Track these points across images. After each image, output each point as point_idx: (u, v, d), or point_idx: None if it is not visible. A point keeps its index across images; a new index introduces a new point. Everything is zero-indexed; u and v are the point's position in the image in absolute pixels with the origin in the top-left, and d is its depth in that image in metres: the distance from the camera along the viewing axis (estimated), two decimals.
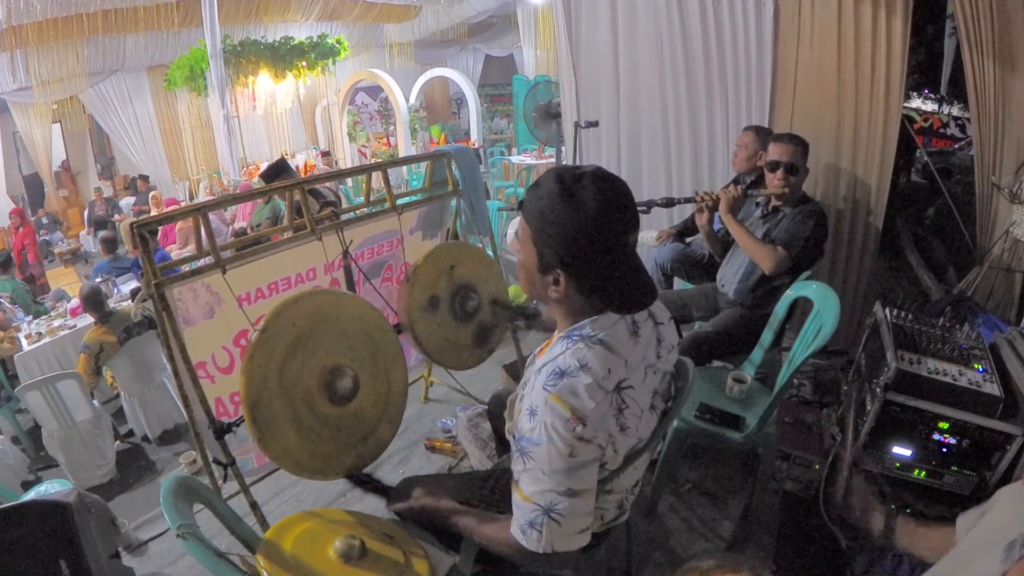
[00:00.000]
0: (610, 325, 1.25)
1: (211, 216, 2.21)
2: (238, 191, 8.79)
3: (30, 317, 6.17)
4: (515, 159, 10.08)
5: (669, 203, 2.92)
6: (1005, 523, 1.12)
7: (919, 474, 2.33)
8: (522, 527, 1.24)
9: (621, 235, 1.20)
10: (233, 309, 2.14)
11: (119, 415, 4.91)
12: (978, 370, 2.30)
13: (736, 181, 3.28)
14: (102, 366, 4.41)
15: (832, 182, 3.43)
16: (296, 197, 2.39)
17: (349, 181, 9.12)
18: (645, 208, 2.87)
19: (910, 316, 2.62)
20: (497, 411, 1.94)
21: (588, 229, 1.16)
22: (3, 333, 5.39)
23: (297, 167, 10.85)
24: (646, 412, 1.30)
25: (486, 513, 1.45)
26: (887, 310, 2.64)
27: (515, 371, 3.22)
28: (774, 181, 2.72)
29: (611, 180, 1.21)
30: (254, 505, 2.14)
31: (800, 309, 2.64)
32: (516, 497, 1.26)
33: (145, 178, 11.56)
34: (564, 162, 5.05)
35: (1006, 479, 2.18)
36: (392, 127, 11.44)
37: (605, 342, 1.22)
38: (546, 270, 1.24)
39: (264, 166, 4.86)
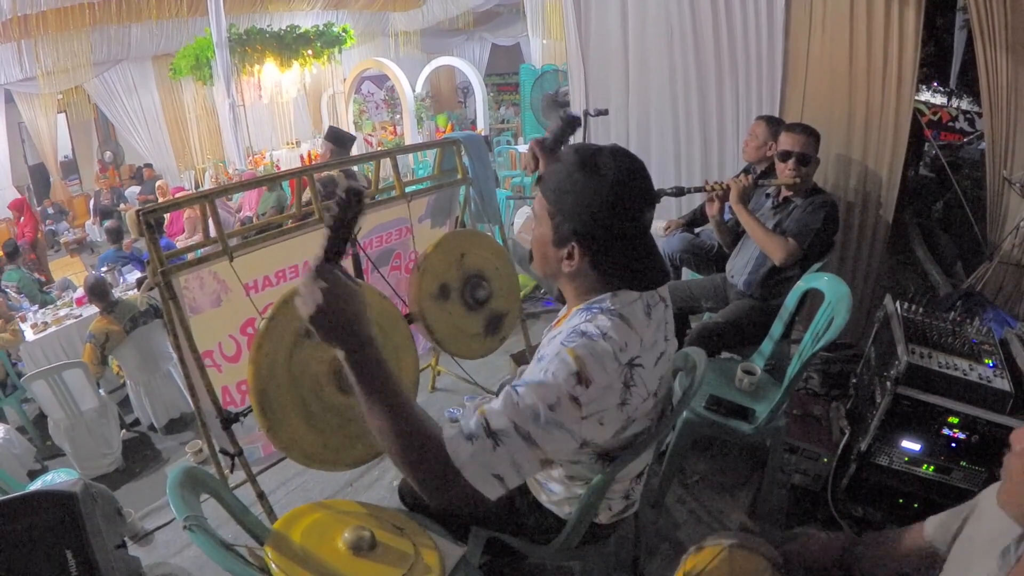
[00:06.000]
0: (629, 303, 1.24)
1: (217, 204, 2.20)
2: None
3: (36, 306, 6.18)
4: (521, 148, 10.01)
5: (679, 192, 2.89)
6: (997, 527, 1.11)
7: (928, 469, 2.31)
8: (457, 431, 1.11)
9: (637, 209, 1.23)
10: (240, 297, 2.14)
11: (125, 404, 4.94)
12: (988, 365, 2.27)
13: (746, 171, 3.26)
14: (108, 355, 4.42)
15: (842, 174, 3.40)
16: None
17: (356, 169, 9.10)
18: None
19: (920, 310, 2.59)
20: None
21: (605, 199, 1.19)
22: (4, 324, 5.39)
23: (302, 157, 10.84)
24: (650, 396, 1.27)
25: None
26: (898, 303, 2.62)
27: (523, 360, 3.21)
28: (785, 171, 2.70)
29: (629, 156, 1.25)
30: (261, 495, 2.14)
31: (809, 301, 2.63)
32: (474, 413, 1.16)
33: (149, 165, 11.55)
34: None
35: None
36: (398, 116, 11.38)
37: (624, 316, 1.22)
38: (561, 243, 1.24)
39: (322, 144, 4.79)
